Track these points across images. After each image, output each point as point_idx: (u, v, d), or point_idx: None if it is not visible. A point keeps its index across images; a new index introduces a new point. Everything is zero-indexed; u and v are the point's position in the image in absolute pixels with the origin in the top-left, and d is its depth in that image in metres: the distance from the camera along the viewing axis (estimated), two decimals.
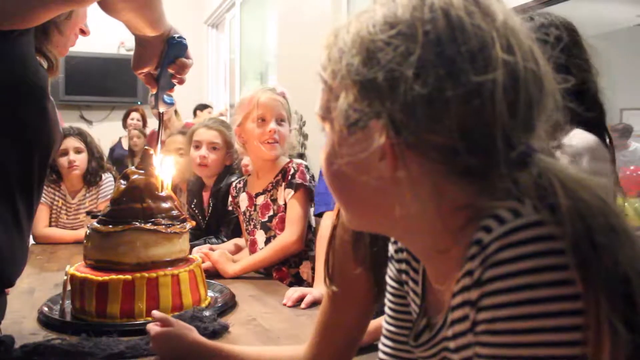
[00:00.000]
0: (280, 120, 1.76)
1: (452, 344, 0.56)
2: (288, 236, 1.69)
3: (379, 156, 0.52)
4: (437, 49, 0.50)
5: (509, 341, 0.46)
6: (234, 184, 1.95)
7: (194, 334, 1.01)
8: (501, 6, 0.53)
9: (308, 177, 1.74)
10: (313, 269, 1.76)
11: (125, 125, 5.10)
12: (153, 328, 1.02)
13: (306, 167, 1.76)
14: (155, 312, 1.06)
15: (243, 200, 1.87)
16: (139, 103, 5.76)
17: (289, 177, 1.73)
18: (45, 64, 1.04)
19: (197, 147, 2.24)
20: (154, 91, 1.20)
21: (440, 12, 0.51)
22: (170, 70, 1.16)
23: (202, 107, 5.19)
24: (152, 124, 4.99)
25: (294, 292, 1.40)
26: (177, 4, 5.93)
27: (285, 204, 1.73)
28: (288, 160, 1.80)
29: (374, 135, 0.52)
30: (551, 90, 0.53)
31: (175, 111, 4.73)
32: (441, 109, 0.49)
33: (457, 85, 0.49)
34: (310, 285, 1.67)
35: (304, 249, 1.75)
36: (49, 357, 1.01)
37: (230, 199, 1.96)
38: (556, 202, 0.47)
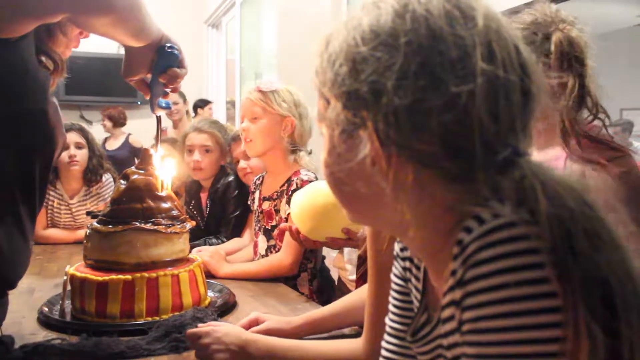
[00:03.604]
0: (252, 118, 1.72)
1: (445, 342, 0.57)
2: (282, 258, 1.66)
3: (370, 162, 0.53)
4: (418, 58, 0.51)
5: (492, 339, 0.46)
6: (254, 180, 1.94)
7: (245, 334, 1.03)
8: (484, 8, 0.54)
9: None
10: (310, 281, 1.74)
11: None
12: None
13: (310, 182, 1.67)
14: (201, 325, 1.08)
15: (256, 199, 1.86)
16: (138, 103, 5.76)
17: (290, 192, 1.68)
18: (51, 66, 1.03)
19: (190, 151, 2.24)
20: (148, 97, 1.18)
21: (421, 21, 0.52)
22: (162, 80, 1.14)
23: (204, 103, 5.16)
24: (152, 123, 4.99)
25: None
26: (177, 4, 5.95)
27: (287, 218, 1.69)
28: (296, 170, 1.73)
29: (363, 144, 0.53)
30: (539, 91, 0.54)
31: (187, 112, 4.73)
32: (423, 119, 0.50)
33: (438, 96, 0.50)
34: (310, 297, 1.67)
35: (303, 261, 1.72)
36: (49, 357, 1.01)
37: (250, 193, 1.95)
38: (536, 205, 0.47)
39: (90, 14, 0.93)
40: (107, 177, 2.56)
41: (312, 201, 1.34)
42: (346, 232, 1.31)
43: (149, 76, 1.16)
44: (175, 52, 1.11)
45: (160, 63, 1.11)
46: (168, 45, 1.10)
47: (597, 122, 1.12)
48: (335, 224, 1.31)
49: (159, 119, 1.28)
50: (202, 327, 1.05)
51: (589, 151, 1.10)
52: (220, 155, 2.27)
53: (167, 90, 1.18)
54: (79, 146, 2.45)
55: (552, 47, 1.10)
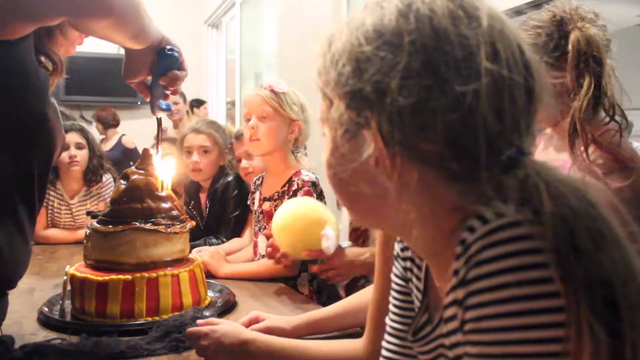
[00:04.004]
0: (262, 117, 1.70)
1: (446, 341, 0.57)
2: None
3: (374, 162, 0.53)
4: (423, 58, 0.51)
5: (495, 339, 0.46)
6: (254, 180, 1.93)
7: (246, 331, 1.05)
8: (487, 8, 0.54)
9: (314, 195, 1.66)
10: (310, 281, 1.73)
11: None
12: (201, 329, 1.04)
13: (313, 184, 1.67)
14: (199, 321, 1.08)
15: (256, 199, 1.85)
16: (138, 103, 5.76)
17: (291, 192, 1.68)
18: (50, 66, 1.03)
19: (189, 152, 2.23)
20: (148, 99, 1.17)
21: (425, 20, 0.52)
22: (162, 82, 1.13)
23: (199, 103, 5.16)
24: (152, 123, 4.99)
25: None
26: (177, 4, 5.94)
27: None
28: (297, 170, 1.72)
29: (366, 144, 0.53)
30: (542, 91, 0.54)
31: (187, 112, 4.73)
32: (427, 118, 0.50)
33: (442, 95, 0.50)
34: (310, 297, 1.66)
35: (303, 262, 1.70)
36: (49, 357, 1.01)
37: (250, 193, 1.94)
38: (540, 205, 0.47)
39: (88, 17, 0.92)
40: (107, 177, 2.56)
41: (291, 217, 1.39)
42: (307, 255, 1.36)
43: (149, 78, 1.15)
44: (176, 54, 1.10)
45: (160, 65, 1.10)
46: (168, 47, 1.09)
47: (613, 125, 1.08)
48: (313, 241, 1.35)
49: (159, 121, 1.27)
50: (201, 327, 1.05)
51: (595, 156, 1.06)
52: (219, 156, 2.26)
53: (168, 92, 1.17)
54: (79, 146, 2.45)
55: (570, 46, 1.07)
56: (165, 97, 1.18)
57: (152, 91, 1.16)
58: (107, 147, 4.94)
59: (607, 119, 1.08)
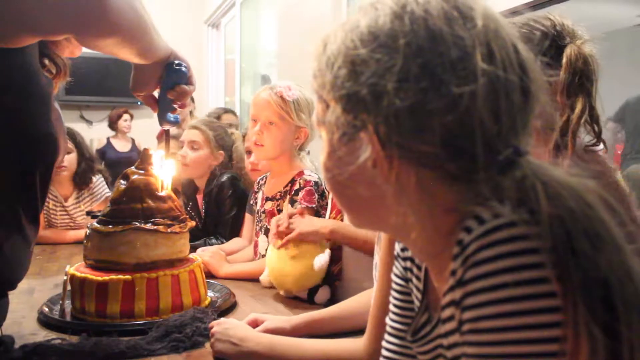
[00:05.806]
0: (268, 123, 1.69)
1: (445, 342, 0.57)
2: None
3: (371, 165, 0.53)
4: (418, 60, 0.50)
5: (492, 339, 0.46)
6: (257, 180, 1.93)
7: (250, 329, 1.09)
8: (482, 8, 0.53)
9: (316, 196, 1.65)
10: None
11: (115, 128, 5.23)
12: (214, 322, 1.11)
13: (315, 183, 1.67)
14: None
15: (259, 199, 1.85)
16: (138, 103, 5.75)
17: (293, 192, 1.68)
18: (54, 69, 1.03)
19: (181, 147, 2.24)
20: (156, 112, 1.17)
21: (420, 22, 0.52)
22: (170, 96, 1.13)
23: None
24: (142, 125, 5.04)
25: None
26: (177, 4, 5.94)
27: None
28: (300, 170, 1.72)
29: (363, 146, 0.53)
30: (538, 90, 0.54)
31: (191, 112, 4.75)
32: (424, 120, 0.50)
33: (439, 97, 0.50)
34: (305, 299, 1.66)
35: None
36: (49, 357, 1.01)
37: (252, 193, 1.94)
38: (537, 205, 0.47)
39: (95, 35, 0.91)
40: (96, 178, 2.57)
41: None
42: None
43: (158, 90, 1.15)
44: (184, 69, 1.10)
45: (168, 79, 1.10)
46: (176, 62, 1.09)
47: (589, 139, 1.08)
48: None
49: (167, 132, 1.28)
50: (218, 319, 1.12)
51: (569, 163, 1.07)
52: (209, 155, 2.23)
53: (175, 106, 1.17)
54: (67, 151, 2.44)
55: (563, 60, 1.06)
56: (173, 110, 1.18)
57: (160, 104, 1.16)
58: (125, 148, 5.03)
59: (594, 140, 1.07)
